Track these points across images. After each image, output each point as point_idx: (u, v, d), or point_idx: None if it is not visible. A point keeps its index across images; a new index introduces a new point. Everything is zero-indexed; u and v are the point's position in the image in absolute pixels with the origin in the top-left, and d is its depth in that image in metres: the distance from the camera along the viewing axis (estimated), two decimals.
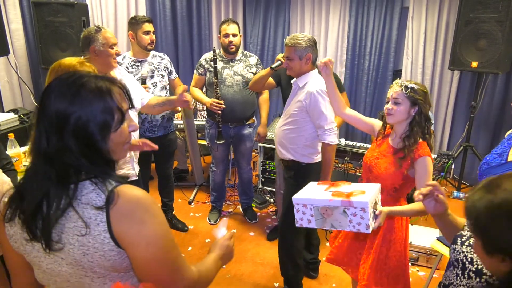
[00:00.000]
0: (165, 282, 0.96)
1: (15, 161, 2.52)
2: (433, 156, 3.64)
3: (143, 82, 2.84)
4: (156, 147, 2.02)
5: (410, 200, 2.06)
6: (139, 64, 3.00)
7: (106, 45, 2.27)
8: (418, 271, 2.92)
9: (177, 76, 3.23)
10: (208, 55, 3.26)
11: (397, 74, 4.51)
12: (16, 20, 4.33)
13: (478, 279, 1.17)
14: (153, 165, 3.36)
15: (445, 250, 2.31)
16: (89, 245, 0.91)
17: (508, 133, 1.89)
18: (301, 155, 2.46)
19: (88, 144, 0.93)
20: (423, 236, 2.99)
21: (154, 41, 3.02)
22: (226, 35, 3.14)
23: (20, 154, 2.54)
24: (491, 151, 1.85)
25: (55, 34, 3.81)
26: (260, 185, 3.99)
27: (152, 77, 3.01)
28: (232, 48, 3.15)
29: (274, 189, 3.77)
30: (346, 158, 3.74)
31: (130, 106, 1.03)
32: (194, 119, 4.17)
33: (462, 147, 4.06)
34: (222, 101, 3.08)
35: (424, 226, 3.20)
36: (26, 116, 3.67)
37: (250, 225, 3.54)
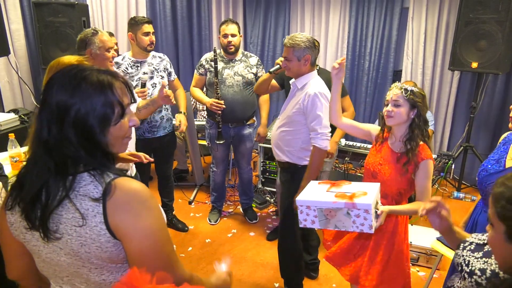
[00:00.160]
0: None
1: (16, 161, 2.53)
2: (434, 156, 3.66)
3: (143, 85, 2.84)
4: (151, 159, 2.15)
5: (413, 199, 2.07)
6: (138, 65, 3.00)
7: (102, 49, 2.27)
8: (418, 271, 2.92)
9: (176, 77, 3.23)
10: (209, 55, 3.26)
11: (397, 74, 4.52)
12: (17, 20, 4.34)
13: (469, 279, 1.21)
14: (152, 165, 3.37)
15: (445, 251, 2.31)
16: (86, 236, 0.93)
17: (502, 137, 1.89)
18: (297, 157, 2.42)
19: (87, 136, 0.94)
20: (423, 236, 2.99)
21: (154, 42, 3.02)
22: (225, 36, 3.14)
23: (20, 154, 2.54)
24: (491, 152, 1.86)
25: (55, 34, 3.81)
26: (260, 185, 3.99)
27: (151, 78, 3.01)
28: (231, 49, 3.15)
29: (274, 189, 3.77)
30: (346, 158, 3.75)
31: (132, 100, 1.04)
32: (195, 119, 4.18)
33: (462, 148, 4.06)
34: (222, 101, 3.08)
35: (424, 226, 3.21)
36: (26, 116, 3.67)
37: (250, 225, 3.55)
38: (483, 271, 1.17)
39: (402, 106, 1.84)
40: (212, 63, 3.11)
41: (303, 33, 2.35)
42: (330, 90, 2.78)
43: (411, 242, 2.82)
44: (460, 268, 1.27)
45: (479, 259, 1.22)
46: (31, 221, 0.94)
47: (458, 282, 1.30)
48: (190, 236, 3.36)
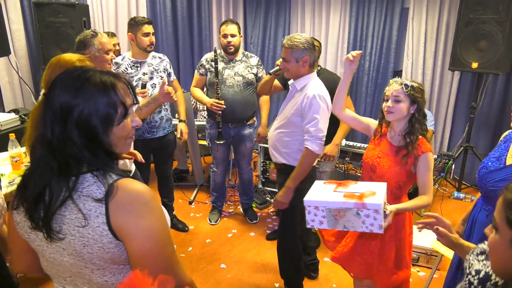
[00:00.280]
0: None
1: (16, 161, 2.53)
2: (434, 156, 3.66)
3: (143, 86, 2.84)
4: (143, 161, 2.24)
5: (412, 194, 2.08)
6: (138, 65, 3.00)
7: (101, 51, 2.27)
8: (418, 271, 2.92)
9: (175, 78, 3.23)
10: (209, 55, 3.26)
11: (397, 74, 4.51)
12: (17, 21, 4.34)
13: (465, 278, 1.21)
14: (152, 165, 3.37)
15: (445, 251, 2.31)
16: (89, 236, 0.93)
17: (504, 135, 1.89)
18: (294, 159, 2.36)
19: (90, 136, 0.95)
20: (423, 236, 2.99)
21: (154, 42, 3.01)
22: (225, 36, 3.14)
23: (21, 154, 2.54)
24: (489, 154, 1.86)
25: (56, 35, 3.81)
26: (260, 186, 4.00)
27: (151, 78, 3.00)
28: (230, 49, 3.15)
29: (274, 189, 3.77)
30: (346, 158, 3.75)
31: (134, 101, 1.05)
32: (195, 119, 4.18)
33: (462, 148, 4.06)
34: (222, 102, 3.08)
35: None
36: (27, 116, 3.68)
37: (251, 225, 3.55)
38: (478, 271, 1.18)
39: (403, 101, 1.86)
40: (213, 63, 3.11)
41: (302, 34, 2.32)
42: (330, 89, 2.78)
43: None
44: (466, 271, 1.28)
45: (480, 261, 1.22)
46: (34, 221, 0.95)
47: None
48: (190, 236, 3.36)
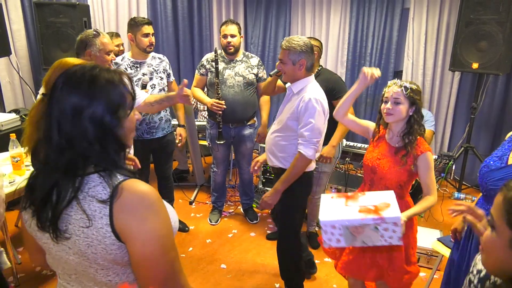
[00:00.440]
0: (158, 283, 0.96)
1: (17, 161, 2.54)
2: (434, 157, 3.66)
3: (144, 87, 2.84)
4: (139, 166, 2.26)
5: (415, 192, 2.09)
6: (138, 65, 2.99)
7: (102, 51, 2.26)
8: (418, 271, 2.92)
9: (174, 79, 3.23)
10: (210, 55, 3.26)
11: (397, 75, 4.52)
12: (18, 21, 4.35)
13: (467, 277, 1.21)
14: (152, 166, 3.37)
15: (445, 251, 2.31)
16: (93, 237, 0.93)
17: (508, 135, 1.89)
18: (290, 163, 2.30)
19: (105, 131, 0.95)
20: (424, 237, 2.98)
21: (154, 43, 3.00)
22: (225, 36, 3.15)
23: (21, 154, 2.55)
24: (491, 152, 1.86)
25: (56, 35, 3.82)
26: (261, 186, 4.00)
27: (151, 79, 3.00)
28: (230, 49, 3.15)
29: None
30: (347, 159, 3.75)
31: (134, 96, 1.07)
32: (195, 120, 4.18)
33: (462, 148, 4.06)
34: (223, 102, 3.08)
35: (425, 227, 3.21)
36: (27, 117, 3.68)
37: (251, 226, 3.55)
38: (479, 271, 1.18)
39: (402, 103, 1.88)
40: (213, 64, 3.12)
41: (302, 36, 2.28)
42: (329, 89, 2.76)
43: None
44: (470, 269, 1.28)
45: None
46: (42, 222, 0.95)
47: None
48: (191, 237, 3.36)
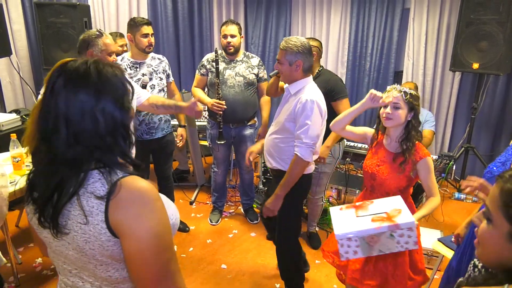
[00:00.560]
0: (150, 283, 0.94)
1: (18, 161, 2.54)
2: (435, 157, 3.66)
3: (144, 87, 2.84)
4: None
5: (414, 193, 2.09)
6: (137, 66, 2.99)
7: (104, 52, 2.25)
8: None
9: (173, 80, 3.23)
10: (210, 55, 3.27)
11: (398, 75, 4.52)
12: (18, 21, 4.35)
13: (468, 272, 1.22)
14: (152, 166, 3.37)
15: (446, 252, 2.31)
16: (90, 233, 0.93)
17: None
18: (288, 167, 2.27)
19: (116, 122, 0.96)
20: (424, 237, 2.96)
21: (153, 43, 2.99)
22: (225, 36, 3.15)
23: (22, 155, 2.55)
24: (492, 152, 1.86)
25: (57, 35, 3.82)
26: (261, 186, 4.00)
27: (150, 79, 3.00)
28: (230, 49, 3.15)
29: None
30: (347, 159, 3.75)
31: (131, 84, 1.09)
32: (196, 120, 4.18)
33: (463, 148, 4.06)
34: (223, 102, 3.08)
35: (426, 227, 3.20)
36: (28, 117, 3.68)
37: (251, 226, 3.55)
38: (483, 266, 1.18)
39: (402, 108, 1.89)
40: (214, 64, 3.12)
41: (301, 37, 2.26)
42: (328, 89, 2.74)
43: None
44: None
45: None
46: (43, 215, 0.95)
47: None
48: (191, 237, 3.36)
